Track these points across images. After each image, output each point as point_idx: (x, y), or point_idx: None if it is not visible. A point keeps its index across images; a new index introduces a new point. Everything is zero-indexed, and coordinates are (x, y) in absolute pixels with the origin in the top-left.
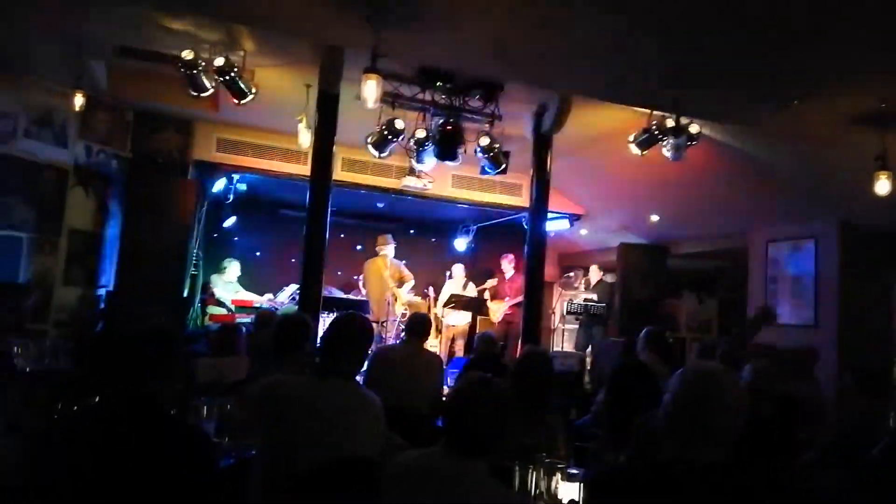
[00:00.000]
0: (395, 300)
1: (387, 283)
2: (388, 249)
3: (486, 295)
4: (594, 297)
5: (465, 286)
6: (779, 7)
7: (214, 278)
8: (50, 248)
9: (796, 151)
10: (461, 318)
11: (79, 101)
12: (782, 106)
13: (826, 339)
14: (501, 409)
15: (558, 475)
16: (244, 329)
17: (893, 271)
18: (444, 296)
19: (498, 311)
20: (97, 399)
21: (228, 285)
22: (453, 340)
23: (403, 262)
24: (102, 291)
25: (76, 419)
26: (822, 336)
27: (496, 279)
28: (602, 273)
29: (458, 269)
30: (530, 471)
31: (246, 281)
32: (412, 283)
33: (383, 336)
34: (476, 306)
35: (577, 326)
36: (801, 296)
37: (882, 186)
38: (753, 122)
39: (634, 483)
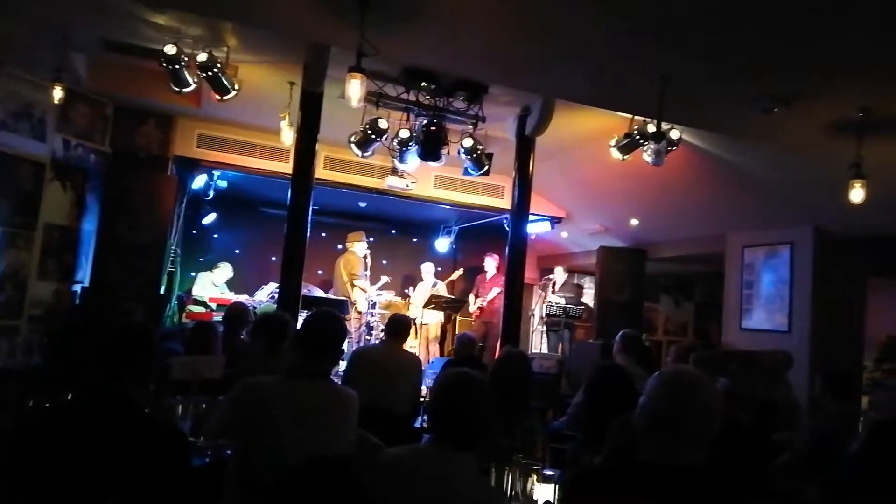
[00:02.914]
0: (364, 292)
1: (341, 276)
2: (356, 247)
3: (471, 297)
4: (562, 301)
5: (434, 285)
6: (760, 16)
7: (201, 275)
8: (25, 243)
9: (774, 158)
10: (434, 317)
11: (58, 93)
12: (763, 113)
13: (799, 344)
14: (486, 401)
15: (534, 476)
16: (219, 327)
17: (867, 277)
18: (418, 296)
19: (473, 304)
20: (70, 396)
21: (214, 287)
22: (428, 345)
23: (383, 261)
24: (78, 287)
25: (48, 416)
26: (795, 341)
27: (461, 271)
28: (567, 274)
29: (428, 268)
30: (506, 472)
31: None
32: (360, 280)
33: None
34: (456, 306)
35: (546, 329)
36: (775, 301)
37: (856, 194)
38: (734, 129)
39: (610, 485)
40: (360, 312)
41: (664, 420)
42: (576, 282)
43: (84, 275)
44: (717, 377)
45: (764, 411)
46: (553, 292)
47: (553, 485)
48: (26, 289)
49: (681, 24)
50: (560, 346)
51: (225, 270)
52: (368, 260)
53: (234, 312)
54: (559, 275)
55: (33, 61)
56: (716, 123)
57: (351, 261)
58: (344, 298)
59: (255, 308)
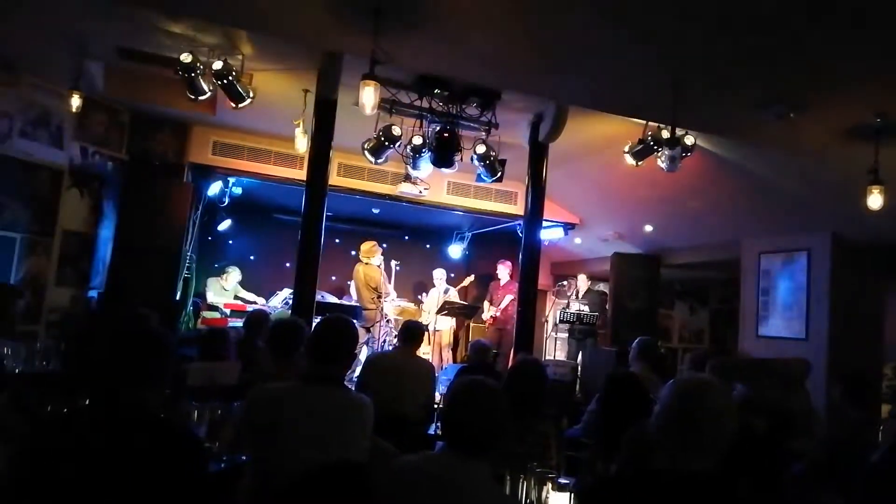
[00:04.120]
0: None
1: (366, 290)
2: (372, 260)
3: (485, 304)
4: (585, 307)
5: (446, 291)
6: (775, 18)
7: (211, 281)
8: (43, 249)
9: (790, 164)
10: (447, 324)
11: (75, 102)
12: (778, 118)
13: (817, 351)
14: (497, 407)
15: (549, 484)
16: (233, 333)
17: (885, 284)
18: (430, 302)
19: (487, 312)
20: (87, 401)
21: (225, 292)
22: (441, 351)
23: (396, 265)
24: (95, 293)
25: (66, 422)
26: (812, 348)
27: (472, 277)
28: (590, 282)
29: (439, 275)
30: (521, 480)
31: (240, 284)
32: (390, 294)
33: (370, 342)
34: (469, 312)
35: (568, 335)
36: (792, 308)
37: (874, 200)
38: (749, 134)
39: (625, 493)
40: (388, 321)
41: (678, 427)
42: (598, 288)
43: (100, 281)
44: (734, 384)
45: (780, 419)
46: (577, 298)
47: (568, 493)
48: (44, 295)
49: (694, 29)
50: (580, 354)
51: (233, 274)
52: (382, 266)
53: (255, 319)
54: (581, 282)
55: (51, 70)
56: (730, 129)
57: (374, 277)
58: (357, 305)
59: (270, 314)
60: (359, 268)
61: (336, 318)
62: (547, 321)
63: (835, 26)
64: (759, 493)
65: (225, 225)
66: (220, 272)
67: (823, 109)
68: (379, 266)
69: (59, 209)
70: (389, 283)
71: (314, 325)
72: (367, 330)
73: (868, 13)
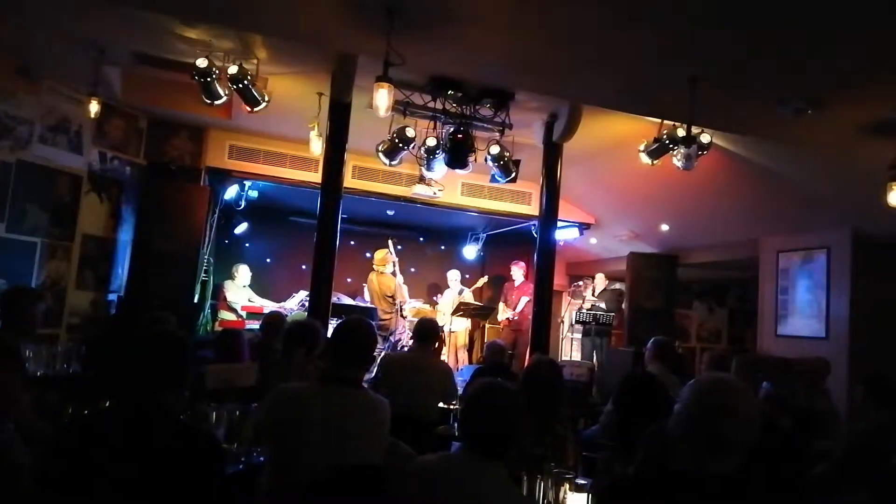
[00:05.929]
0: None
1: (382, 298)
2: (387, 268)
3: (500, 305)
4: (602, 304)
5: (460, 292)
6: (792, 15)
7: (228, 283)
8: (63, 253)
9: (808, 160)
10: (462, 325)
11: (93, 107)
12: (796, 114)
13: (837, 351)
14: (514, 408)
15: (566, 485)
16: (250, 335)
17: None
18: (445, 304)
19: (503, 314)
20: (107, 404)
21: (242, 290)
22: (457, 352)
23: (411, 269)
24: (114, 296)
25: (87, 424)
26: (833, 348)
27: (486, 278)
28: (608, 281)
29: (454, 276)
30: (538, 480)
31: (256, 287)
32: (408, 301)
33: (387, 347)
34: (484, 313)
35: (584, 336)
36: (811, 307)
37: (894, 197)
38: (766, 132)
39: (643, 494)
40: (404, 324)
41: (700, 428)
42: (615, 287)
43: (120, 284)
44: (761, 381)
45: (804, 418)
46: (593, 295)
47: (586, 494)
48: (65, 298)
49: (709, 25)
50: (596, 355)
51: (242, 272)
52: (397, 270)
53: (272, 321)
54: (599, 281)
55: (70, 76)
56: (747, 126)
57: (389, 286)
58: (372, 307)
59: (286, 316)
60: (373, 276)
61: (356, 320)
62: (563, 322)
63: (850, 21)
64: (780, 493)
65: (241, 228)
66: (232, 274)
67: (842, 105)
68: (392, 273)
69: (79, 214)
70: (402, 282)
71: (333, 326)
72: (384, 339)
73: (884, 7)
